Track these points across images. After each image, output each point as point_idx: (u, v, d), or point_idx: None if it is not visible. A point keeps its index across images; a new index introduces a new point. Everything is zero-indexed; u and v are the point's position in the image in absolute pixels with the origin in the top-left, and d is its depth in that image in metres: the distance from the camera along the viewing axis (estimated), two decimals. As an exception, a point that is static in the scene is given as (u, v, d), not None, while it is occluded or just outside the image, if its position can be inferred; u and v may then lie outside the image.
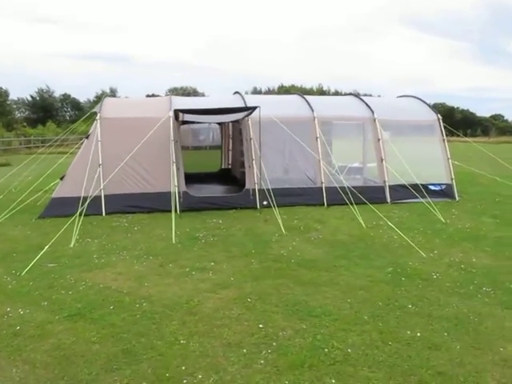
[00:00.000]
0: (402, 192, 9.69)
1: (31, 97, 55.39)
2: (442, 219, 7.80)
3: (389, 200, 9.61)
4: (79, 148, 8.86)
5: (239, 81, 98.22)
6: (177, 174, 8.72)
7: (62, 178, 8.37)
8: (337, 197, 9.25)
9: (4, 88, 52.06)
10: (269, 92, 72.25)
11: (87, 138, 8.66)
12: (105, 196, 8.38)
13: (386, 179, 9.71)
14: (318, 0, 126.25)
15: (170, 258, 5.67)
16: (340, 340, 3.49)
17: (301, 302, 4.25)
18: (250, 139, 9.24)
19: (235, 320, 3.87)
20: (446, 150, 10.17)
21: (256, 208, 8.93)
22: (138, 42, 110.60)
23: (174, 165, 8.67)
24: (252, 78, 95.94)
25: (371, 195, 9.60)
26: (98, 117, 8.76)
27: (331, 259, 5.58)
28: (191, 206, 8.71)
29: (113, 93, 71.31)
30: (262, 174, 9.29)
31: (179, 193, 8.69)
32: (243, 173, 9.65)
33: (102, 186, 8.34)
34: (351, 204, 8.00)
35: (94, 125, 8.78)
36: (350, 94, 11.33)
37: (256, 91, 74.62)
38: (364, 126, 10.45)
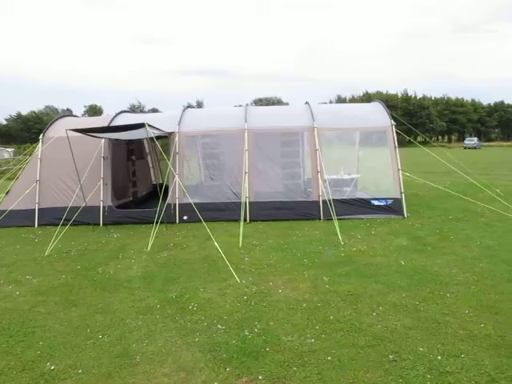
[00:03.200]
0: (339, 207, 8.90)
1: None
2: (340, 240, 7.06)
3: (322, 217, 8.89)
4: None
5: (326, 89, 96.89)
6: (104, 188, 9.23)
7: (7, 193, 9.39)
8: (261, 212, 8.97)
9: (98, 105, 59.02)
10: (353, 100, 70.12)
11: (30, 155, 9.62)
12: (39, 209, 9.20)
13: (321, 193, 8.99)
14: (410, 2, 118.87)
15: (11, 270, 6.10)
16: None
17: (20, 322, 4.34)
18: (176, 153, 9.34)
19: None
20: (397, 161, 9.07)
21: (175, 222, 8.98)
22: (235, 56, 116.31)
23: (102, 180, 9.23)
24: (339, 86, 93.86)
25: (303, 211, 9.07)
26: (41, 136, 9.67)
27: (136, 281, 5.48)
28: (114, 219, 9.10)
29: (199, 105, 75.90)
30: (185, 188, 9.35)
31: (104, 207, 9.18)
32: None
33: (37, 200, 9.21)
34: (243, 221, 7.63)
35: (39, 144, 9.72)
36: (307, 103, 10.64)
37: (340, 99, 72.88)
38: (304, 135, 9.80)
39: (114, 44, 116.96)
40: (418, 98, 68.01)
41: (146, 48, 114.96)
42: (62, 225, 8.73)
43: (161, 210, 7.99)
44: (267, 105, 71.10)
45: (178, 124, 9.60)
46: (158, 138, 12.55)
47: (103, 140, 9.33)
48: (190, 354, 3.64)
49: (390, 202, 8.95)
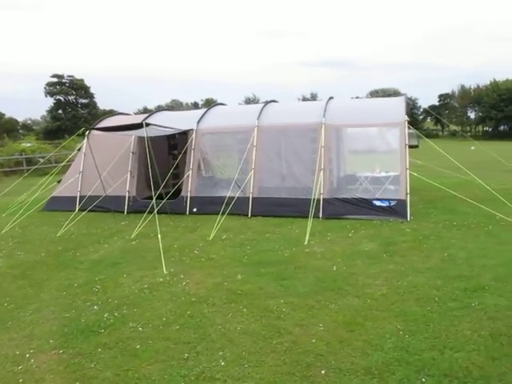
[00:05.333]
0: (340, 207, 8.61)
1: (239, 104, 65.26)
2: (305, 241, 6.92)
3: (321, 215, 8.65)
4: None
5: (451, 78, 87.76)
6: (130, 180, 10.38)
7: (59, 182, 11.18)
8: (263, 208, 9.12)
9: (214, 98, 63.31)
10: (477, 89, 62.09)
11: (78, 150, 11.27)
12: (80, 196, 10.76)
13: (322, 191, 8.74)
14: None
15: (17, 246, 7.47)
16: None
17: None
18: (192, 149, 9.99)
19: None
20: (406, 160, 8.31)
21: (185, 214, 9.67)
22: (360, 45, 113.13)
23: (129, 173, 10.39)
24: (466, 74, 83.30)
25: (303, 208, 8.92)
26: (87, 133, 11.24)
27: (88, 263, 6.29)
28: (137, 208, 10.15)
29: (313, 98, 75.94)
30: (198, 182, 9.97)
31: (129, 197, 10.33)
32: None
33: (79, 188, 10.79)
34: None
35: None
36: (331, 97, 10.20)
37: (463, 90, 65.31)
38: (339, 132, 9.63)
39: (235, 38, 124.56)
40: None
41: (268, 42, 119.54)
42: (93, 211, 10.16)
43: (158, 203, 8.74)
44: (383, 97, 67.95)
45: (198, 122, 10.24)
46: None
47: (133, 136, 10.47)
48: (48, 326, 4.25)
49: (393, 203, 8.29)
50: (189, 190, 9.83)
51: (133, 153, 10.48)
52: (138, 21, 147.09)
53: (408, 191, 8.22)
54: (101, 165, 10.57)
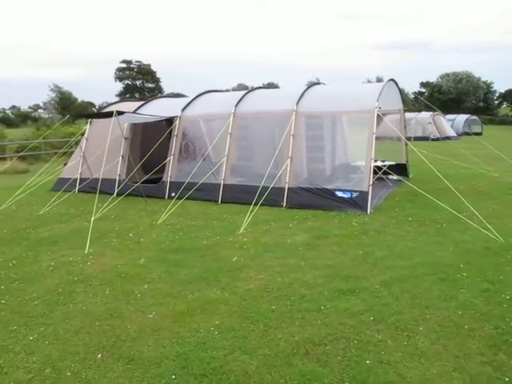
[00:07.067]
0: (305, 196, 8.39)
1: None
2: (240, 230, 6.88)
3: (285, 204, 8.49)
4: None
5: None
6: (121, 164, 10.92)
7: (65, 164, 12.06)
8: (231, 195, 9.16)
9: (275, 82, 63.07)
10: None
11: (82, 135, 12.04)
12: (80, 179, 11.52)
13: (287, 180, 8.55)
14: None
15: (-2, 221, 8.31)
16: None
17: None
18: (175, 136, 10.23)
19: None
20: (372, 149, 7.81)
21: (164, 198, 9.99)
22: (436, 27, 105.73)
23: (121, 157, 10.93)
24: None
25: (269, 197, 8.78)
26: (89, 120, 11.94)
27: (33, 241, 6.83)
28: (126, 191, 10.68)
29: (379, 81, 72.64)
30: (179, 168, 10.21)
31: (119, 180, 10.88)
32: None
33: (79, 171, 11.57)
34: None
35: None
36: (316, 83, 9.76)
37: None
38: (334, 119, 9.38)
39: (307, 21, 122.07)
40: None
41: (342, 24, 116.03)
42: (89, 192, 10.88)
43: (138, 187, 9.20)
44: (454, 80, 64.09)
45: (183, 109, 10.45)
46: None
47: (126, 123, 10.96)
48: None
49: (355, 194, 7.87)
50: (169, 175, 10.12)
51: (125, 138, 10.99)
52: (205, 6, 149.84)
53: (371, 183, 7.77)
54: (99, 149, 11.25)
